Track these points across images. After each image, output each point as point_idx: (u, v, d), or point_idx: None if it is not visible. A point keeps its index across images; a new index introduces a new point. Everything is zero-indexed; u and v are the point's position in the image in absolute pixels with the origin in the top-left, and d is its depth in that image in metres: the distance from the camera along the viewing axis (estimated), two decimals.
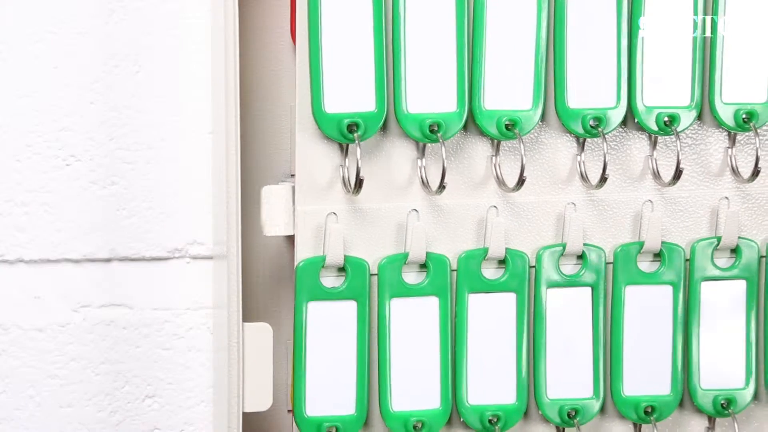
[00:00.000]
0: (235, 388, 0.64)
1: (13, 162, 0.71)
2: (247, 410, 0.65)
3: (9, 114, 0.70)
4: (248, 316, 0.66)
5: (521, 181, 0.64)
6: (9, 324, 0.73)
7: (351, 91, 0.65)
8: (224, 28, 0.61)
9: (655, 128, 0.67)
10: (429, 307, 0.68)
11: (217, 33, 0.66)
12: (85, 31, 0.70)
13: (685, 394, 0.71)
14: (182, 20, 0.71)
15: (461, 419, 0.69)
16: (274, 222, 0.63)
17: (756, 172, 0.67)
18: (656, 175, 0.69)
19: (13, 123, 0.70)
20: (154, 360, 0.74)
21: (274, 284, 0.71)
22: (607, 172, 0.68)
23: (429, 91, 0.66)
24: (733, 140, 0.70)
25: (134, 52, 0.71)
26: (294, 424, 0.68)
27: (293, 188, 0.65)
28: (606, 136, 0.68)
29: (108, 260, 0.73)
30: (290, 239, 0.67)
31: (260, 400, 0.66)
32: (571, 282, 0.69)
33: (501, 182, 0.67)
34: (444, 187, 0.64)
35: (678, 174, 0.66)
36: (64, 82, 0.70)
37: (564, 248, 0.68)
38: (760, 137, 0.68)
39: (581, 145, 0.69)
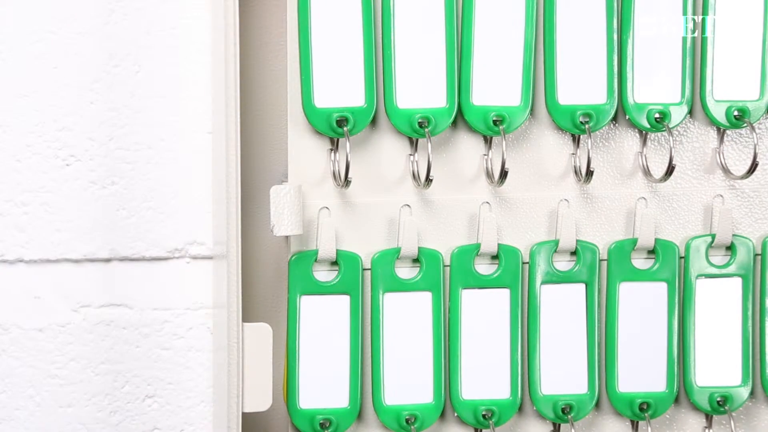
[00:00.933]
0: (235, 388, 0.64)
1: (13, 162, 0.71)
2: (246, 410, 0.65)
3: (9, 114, 0.71)
4: (248, 316, 0.67)
5: (503, 174, 0.65)
6: (9, 324, 0.73)
7: (340, 86, 0.66)
8: (224, 28, 0.62)
9: (646, 125, 0.68)
10: (422, 302, 0.68)
11: (217, 33, 0.67)
12: (85, 31, 0.70)
13: (681, 392, 0.71)
14: (182, 20, 0.71)
15: (455, 414, 0.69)
16: (282, 222, 0.64)
17: (752, 169, 0.67)
18: (646, 171, 0.69)
19: (13, 123, 0.71)
20: (154, 360, 0.74)
21: (274, 284, 0.71)
22: (600, 168, 0.69)
23: (418, 86, 0.67)
24: (721, 137, 0.70)
25: (134, 52, 0.71)
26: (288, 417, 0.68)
27: (300, 188, 0.65)
28: (597, 132, 0.69)
29: (108, 260, 0.74)
30: (290, 239, 0.68)
31: (260, 400, 0.66)
32: (564, 278, 0.69)
33: (491, 177, 0.68)
34: (431, 181, 0.64)
35: (670, 170, 0.66)
36: (64, 82, 0.71)
37: (557, 244, 0.69)
38: (757, 133, 0.68)
39: (576, 142, 0.69)
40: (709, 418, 0.72)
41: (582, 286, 0.70)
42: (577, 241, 0.69)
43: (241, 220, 0.63)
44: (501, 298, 0.69)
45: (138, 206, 0.73)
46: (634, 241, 0.69)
